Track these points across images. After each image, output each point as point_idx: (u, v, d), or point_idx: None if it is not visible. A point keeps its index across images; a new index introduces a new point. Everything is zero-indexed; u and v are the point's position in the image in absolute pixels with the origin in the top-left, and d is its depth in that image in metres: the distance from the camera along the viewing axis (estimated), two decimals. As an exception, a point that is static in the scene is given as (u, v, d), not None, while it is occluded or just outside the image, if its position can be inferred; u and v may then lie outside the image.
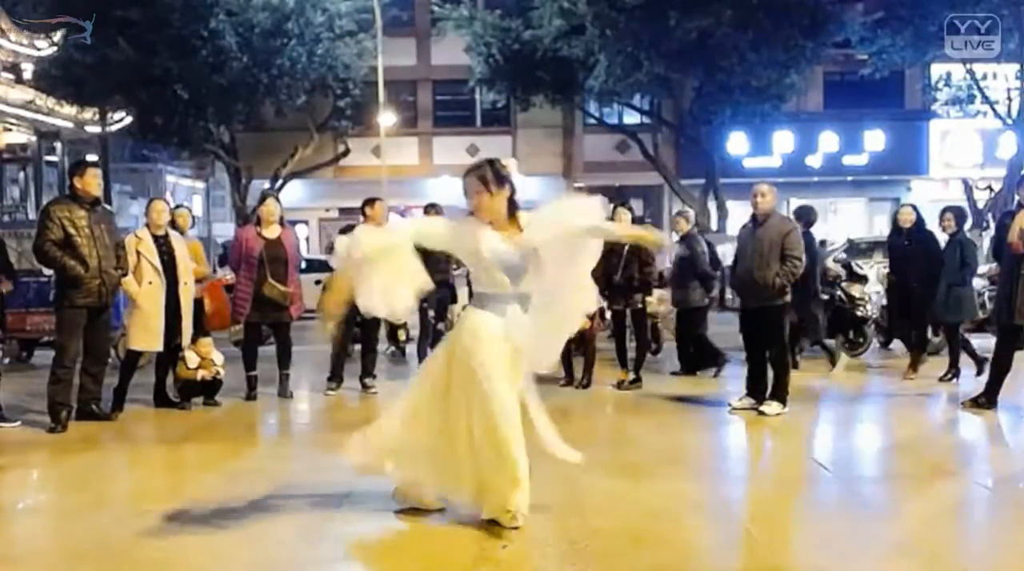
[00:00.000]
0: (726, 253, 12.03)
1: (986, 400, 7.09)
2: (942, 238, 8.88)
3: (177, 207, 8.90)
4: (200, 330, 8.08)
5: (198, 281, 8.15)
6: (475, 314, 4.31)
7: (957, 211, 8.98)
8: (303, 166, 23.51)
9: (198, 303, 8.18)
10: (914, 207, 9.25)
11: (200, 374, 7.68)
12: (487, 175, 4.30)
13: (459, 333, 4.35)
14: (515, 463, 4.16)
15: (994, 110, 21.70)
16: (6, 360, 9.61)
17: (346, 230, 6.68)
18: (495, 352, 4.19)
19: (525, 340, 4.30)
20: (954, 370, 8.68)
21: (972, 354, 8.82)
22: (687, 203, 23.17)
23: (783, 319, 7.24)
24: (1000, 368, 7.09)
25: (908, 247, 8.94)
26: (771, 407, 7.08)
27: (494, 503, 4.22)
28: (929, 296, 8.68)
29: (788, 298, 7.18)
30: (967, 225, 9.19)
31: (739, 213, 16.88)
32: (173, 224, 8.10)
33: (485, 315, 4.27)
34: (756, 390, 7.31)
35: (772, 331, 7.18)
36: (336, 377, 8.34)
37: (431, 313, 8.73)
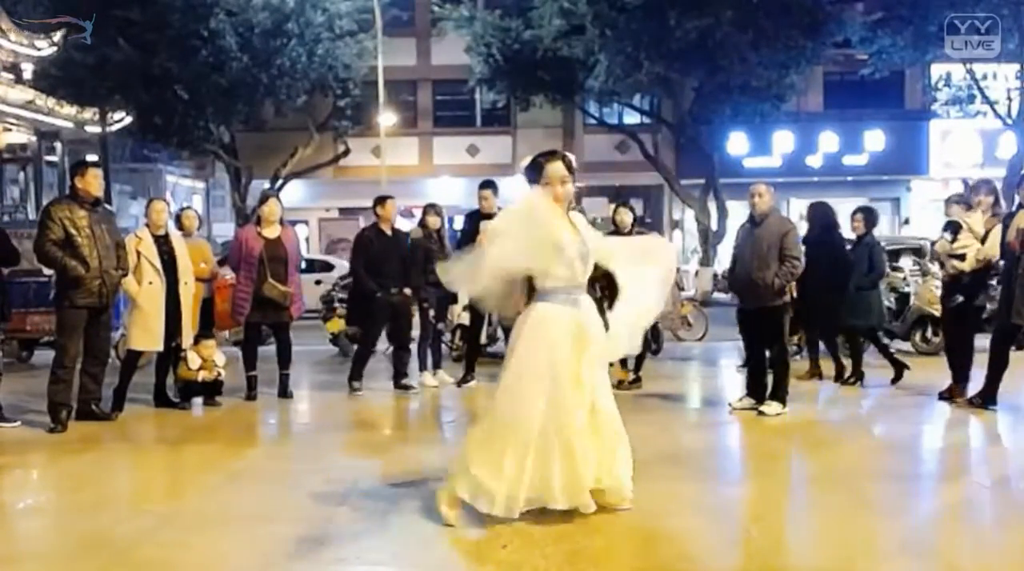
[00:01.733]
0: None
1: (982, 400, 7.08)
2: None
3: (185, 209, 8.91)
4: (210, 329, 8.09)
5: (208, 280, 8.15)
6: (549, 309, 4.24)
7: (867, 212, 8.89)
8: (303, 166, 23.51)
9: (208, 302, 8.18)
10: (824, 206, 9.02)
11: (201, 375, 7.68)
12: (572, 164, 4.33)
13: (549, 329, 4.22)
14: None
15: (994, 110, 21.70)
16: (6, 360, 9.61)
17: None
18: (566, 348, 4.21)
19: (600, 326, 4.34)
20: (859, 373, 8.52)
21: (891, 358, 8.67)
22: (687, 203, 23.19)
23: (783, 319, 7.24)
24: (997, 368, 7.07)
25: (815, 249, 8.42)
26: (771, 407, 7.08)
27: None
28: (834, 301, 8.35)
29: (787, 298, 7.18)
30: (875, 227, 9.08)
31: (739, 213, 16.88)
32: (180, 225, 8.10)
33: (557, 308, 4.23)
34: (756, 390, 7.31)
35: (772, 331, 7.18)
36: (360, 376, 8.35)
37: (431, 313, 8.73)
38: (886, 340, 9.61)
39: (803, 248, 7.24)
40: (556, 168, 4.28)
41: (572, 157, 4.47)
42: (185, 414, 7.52)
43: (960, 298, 7.44)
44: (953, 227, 7.43)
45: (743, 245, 7.36)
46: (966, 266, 7.34)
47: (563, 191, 4.27)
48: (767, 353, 7.27)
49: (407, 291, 8.33)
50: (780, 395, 7.13)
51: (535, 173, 4.33)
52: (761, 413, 7.07)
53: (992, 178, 22.72)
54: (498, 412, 4.29)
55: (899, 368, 8.51)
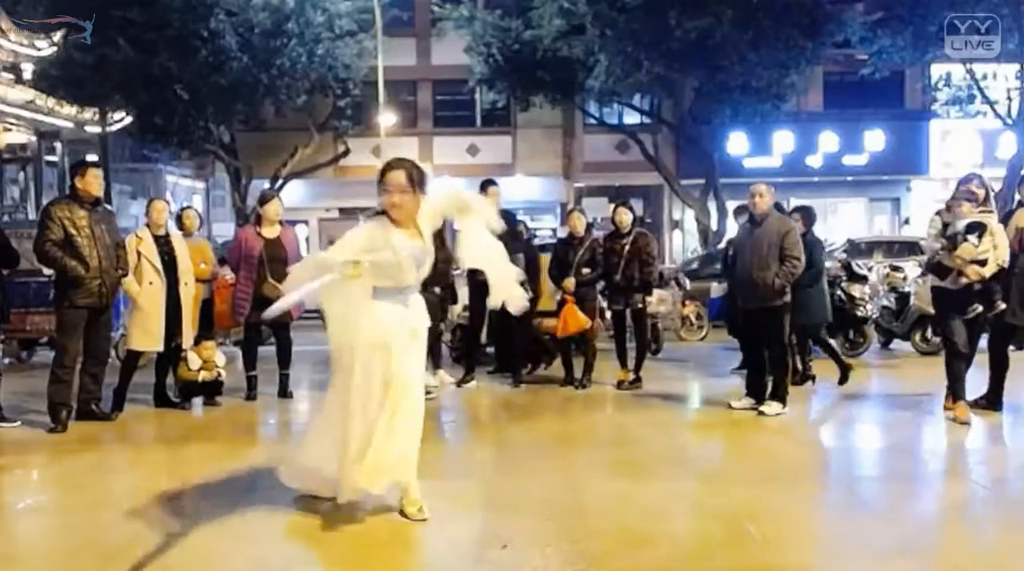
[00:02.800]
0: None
1: (987, 402, 7.05)
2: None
3: (185, 208, 8.90)
4: (209, 329, 8.08)
5: (207, 281, 8.15)
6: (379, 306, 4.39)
7: (804, 211, 8.84)
8: (303, 166, 23.50)
9: (208, 302, 8.18)
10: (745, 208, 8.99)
11: (201, 375, 7.68)
12: (413, 175, 4.38)
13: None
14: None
15: (994, 110, 21.70)
16: (6, 360, 9.61)
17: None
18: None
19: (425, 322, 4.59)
20: (807, 374, 8.55)
21: (837, 358, 8.68)
22: (687, 203, 23.19)
23: (783, 319, 7.24)
24: (1001, 369, 7.05)
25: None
26: (771, 407, 7.09)
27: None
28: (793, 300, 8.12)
29: (787, 298, 7.18)
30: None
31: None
32: (181, 225, 8.09)
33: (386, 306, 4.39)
34: (756, 390, 7.31)
35: (772, 331, 7.18)
36: (471, 370, 8.55)
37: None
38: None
39: (802, 246, 7.22)
40: (392, 178, 4.33)
41: (424, 167, 4.57)
42: (185, 414, 7.52)
43: (979, 308, 6.80)
44: (980, 229, 6.66)
45: (743, 245, 7.36)
46: (987, 271, 6.68)
47: (396, 200, 4.31)
48: (766, 353, 7.27)
49: (437, 290, 8.32)
50: (780, 395, 7.14)
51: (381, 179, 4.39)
52: (761, 413, 7.07)
53: (992, 177, 22.62)
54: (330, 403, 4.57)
55: (844, 370, 8.50)
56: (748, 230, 7.36)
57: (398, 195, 4.33)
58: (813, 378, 8.59)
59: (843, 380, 8.45)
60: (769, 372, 7.24)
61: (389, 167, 4.42)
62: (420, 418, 4.46)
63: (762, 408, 7.12)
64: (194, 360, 7.67)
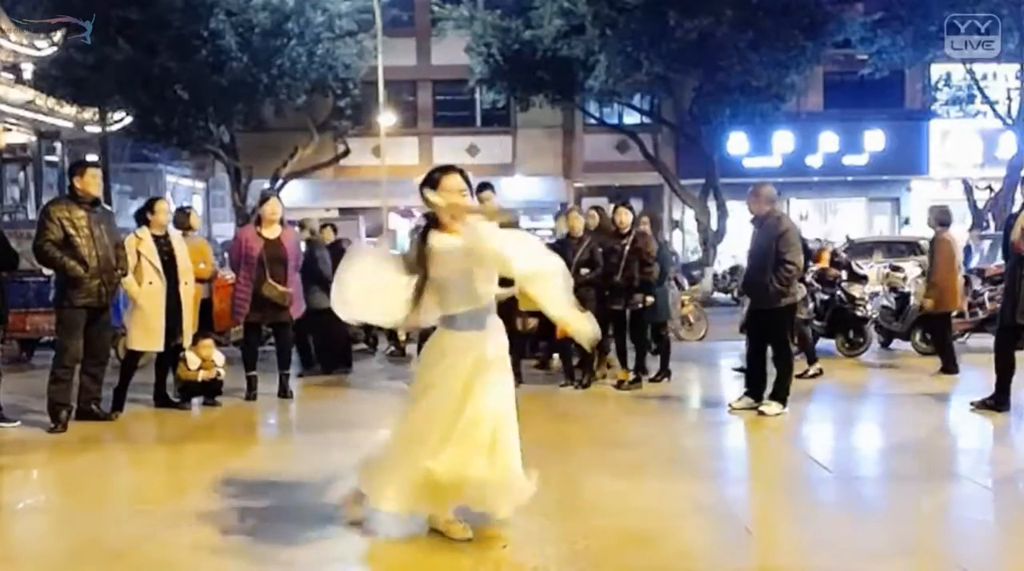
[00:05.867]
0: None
1: (995, 402, 7.03)
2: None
3: (183, 208, 8.88)
4: (208, 329, 8.07)
5: (206, 280, 8.13)
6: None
7: (652, 215, 9.37)
8: (303, 166, 23.50)
9: (206, 302, 8.17)
10: (592, 209, 9.48)
11: (201, 375, 7.68)
12: (468, 178, 4.13)
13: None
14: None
15: (994, 110, 21.72)
16: (6, 360, 9.61)
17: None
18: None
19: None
20: (666, 372, 8.77)
21: (664, 357, 8.87)
22: (687, 203, 23.20)
23: (784, 321, 7.23)
24: (1007, 370, 7.04)
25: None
26: (771, 407, 7.08)
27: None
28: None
29: (790, 300, 7.16)
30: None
31: (739, 213, 16.91)
32: (178, 224, 8.09)
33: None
34: (756, 390, 7.30)
35: (773, 332, 7.18)
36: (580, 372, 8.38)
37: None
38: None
39: (799, 248, 7.18)
40: (451, 181, 4.04)
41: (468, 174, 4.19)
42: (185, 414, 7.52)
43: None
44: None
45: (751, 246, 7.43)
46: None
47: (460, 203, 4.04)
48: (768, 354, 7.27)
49: None
50: (781, 395, 7.13)
51: (431, 188, 4.06)
52: (761, 413, 7.06)
53: (992, 178, 22.60)
54: (401, 431, 4.21)
55: (665, 373, 8.76)
56: (754, 231, 7.40)
57: (462, 197, 4.05)
58: (669, 374, 8.76)
59: (635, 382, 8.43)
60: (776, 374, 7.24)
61: (447, 170, 4.11)
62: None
63: (762, 408, 7.11)
64: (193, 360, 7.66)
